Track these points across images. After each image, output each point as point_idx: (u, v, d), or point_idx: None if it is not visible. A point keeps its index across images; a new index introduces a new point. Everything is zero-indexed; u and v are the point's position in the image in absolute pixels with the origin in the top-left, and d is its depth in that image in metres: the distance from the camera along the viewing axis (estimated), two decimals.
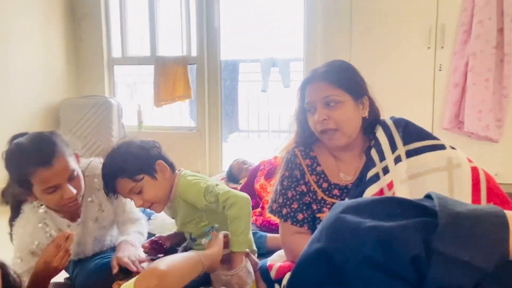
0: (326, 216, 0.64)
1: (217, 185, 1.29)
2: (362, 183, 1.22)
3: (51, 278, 1.24)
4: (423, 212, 0.58)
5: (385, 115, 1.31)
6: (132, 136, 1.47)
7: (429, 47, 2.73)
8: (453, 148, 1.20)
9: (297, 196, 1.26)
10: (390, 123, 1.26)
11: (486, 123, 2.59)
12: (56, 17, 3.35)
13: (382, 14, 2.79)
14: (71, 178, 1.26)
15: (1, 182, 2.36)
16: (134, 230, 1.46)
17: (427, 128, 2.73)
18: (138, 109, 3.55)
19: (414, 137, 1.22)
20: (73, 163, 1.27)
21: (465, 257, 0.52)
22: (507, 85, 2.57)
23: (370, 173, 1.21)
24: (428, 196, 0.62)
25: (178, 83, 3.36)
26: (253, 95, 4.87)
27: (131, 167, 1.24)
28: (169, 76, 3.37)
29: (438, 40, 2.71)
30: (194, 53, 3.41)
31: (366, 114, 1.24)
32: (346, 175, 1.26)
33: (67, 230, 1.28)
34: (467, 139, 2.71)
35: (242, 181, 2.57)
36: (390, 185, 1.18)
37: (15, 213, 1.35)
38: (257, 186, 2.37)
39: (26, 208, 1.34)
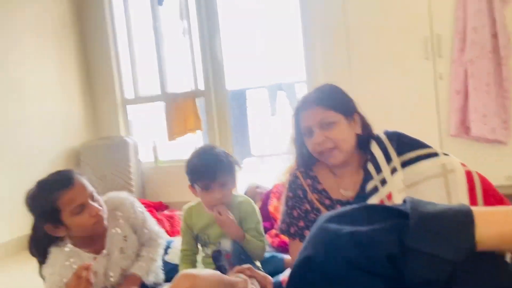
0: (312, 227, 0.71)
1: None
2: (362, 196, 1.28)
3: None
4: (397, 215, 0.64)
5: (391, 128, 1.38)
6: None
7: (427, 58, 2.79)
8: (446, 154, 1.26)
9: (303, 215, 1.33)
10: (383, 137, 1.32)
11: (492, 126, 2.61)
12: (71, 65, 3.56)
13: (377, 29, 2.85)
14: (93, 198, 1.40)
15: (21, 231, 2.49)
16: (146, 256, 1.55)
17: (435, 136, 2.80)
18: (153, 145, 3.69)
19: (407, 148, 1.28)
20: (89, 185, 1.43)
21: (435, 251, 0.58)
22: (508, 88, 2.60)
23: (369, 186, 1.27)
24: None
25: (188, 116, 3.49)
26: (262, 120, 4.97)
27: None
28: (180, 111, 3.51)
29: (435, 50, 2.77)
30: (201, 86, 3.55)
31: (359, 130, 1.32)
32: (346, 191, 1.32)
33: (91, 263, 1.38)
34: (476, 143, 2.72)
35: (257, 206, 2.64)
36: (389, 196, 1.23)
37: (43, 257, 1.46)
38: (271, 208, 2.43)
39: (53, 250, 1.44)
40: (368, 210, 0.69)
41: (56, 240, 1.45)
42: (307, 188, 1.34)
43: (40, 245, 1.45)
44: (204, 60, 3.48)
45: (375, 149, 1.30)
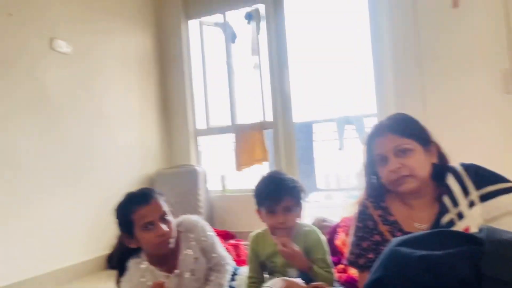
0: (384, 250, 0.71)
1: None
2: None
3: None
4: (472, 242, 0.62)
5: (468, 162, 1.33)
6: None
7: (508, 92, 2.64)
8: None
9: (373, 246, 1.30)
10: (460, 169, 1.27)
11: None
12: (150, 96, 3.83)
13: (452, 61, 2.77)
14: (164, 219, 1.51)
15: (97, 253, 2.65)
16: (215, 281, 1.59)
17: None
18: (221, 174, 3.81)
19: (486, 181, 1.22)
20: (165, 207, 1.54)
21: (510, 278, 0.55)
22: None
23: (445, 219, 1.22)
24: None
25: (256, 147, 3.58)
26: (329, 154, 4.94)
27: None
28: (248, 142, 3.61)
29: None
30: (269, 118, 3.65)
31: (435, 160, 1.29)
32: (420, 224, 1.28)
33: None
34: None
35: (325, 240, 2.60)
36: (466, 231, 1.17)
37: (121, 270, 1.57)
38: (338, 242, 2.38)
39: (131, 264, 1.54)
40: (442, 235, 0.67)
41: (133, 254, 1.55)
42: (377, 219, 1.31)
43: (120, 256, 1.57)
44: (273, 93, 3.59)
45: (452, 181, 1.25)
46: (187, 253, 1.59)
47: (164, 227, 1.49)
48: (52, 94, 2.85)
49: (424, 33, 2.85)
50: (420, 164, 1.24)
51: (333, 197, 5.25)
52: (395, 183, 1.26)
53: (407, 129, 1.28)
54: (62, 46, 2.92)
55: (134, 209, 1.49)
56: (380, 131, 1.31)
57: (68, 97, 2.98)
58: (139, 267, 1.54)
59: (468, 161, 1.32)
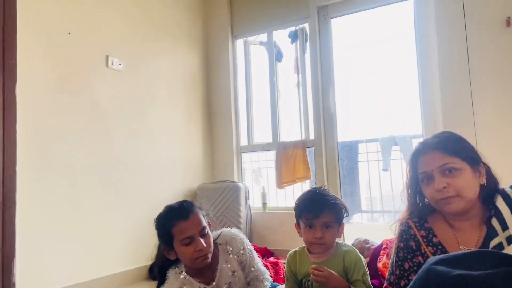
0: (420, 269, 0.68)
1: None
2: None
3: None
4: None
5: None
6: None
7: None
8: None
9: (415, 268, 1.24)
10: (510, 191, 1.21)
11: None
12: (196, 113, 3.94)
13: (504, 84, 2.65)
14: (203, 233, 1.52)
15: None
16: None
17: None
18: (262, 191, 3.82)
19: None
20: (204, 222, 1.55)
21: None
22: None
23: (493, 243, 1.15)
24: None
25: (298, 165, 3.57)
26: (374, 175, 4.81)
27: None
28: (290, 159, 3.61)
29: None
30: (312, 136, 3.63)
31: (484, 181, 1.23)
32: (466, 247, 1.22)
33: None
34: None
35: (365, 261, 2.52)
36: None
37: (162, 280, 1.60)
38: (380, 265, 2.30)
39: (171, 274, 1.58)
40: (481, 255, 0.64)
41: (174, 264, 1.59)
42: (420, 240, 1.26)
43: (160, 266, 1.60)
44: (316, 111, 3.58)
45: (501, 204, 1.18)
46: (225, 266, 1.59)
47: (203, 242, 1.51)
48: (104, 109, 3.01)
49: (474, 52, 2.75)
50: (467, 184, 1.19)
51: (377, 219, 5.09)
52: (440, 203, 1.21)
53: (454, 148, 1.24)
54: (115, 63, 3.09)
55: (174, 223, 1.51)
56: (426, 148, 1.27)
57: (118, 112, 3.12)
58: (178, 277, 1.56)
59: None
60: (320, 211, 1.48)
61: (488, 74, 2.71)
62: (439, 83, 2.91)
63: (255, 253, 1.72)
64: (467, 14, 2.78)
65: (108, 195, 2.97)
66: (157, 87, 3.52)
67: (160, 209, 1.67)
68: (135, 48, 3.32)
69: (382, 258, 2.37)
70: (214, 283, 1.56)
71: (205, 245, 1.51)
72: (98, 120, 2.95)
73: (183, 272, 1.57)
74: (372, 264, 2.40)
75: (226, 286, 1.58)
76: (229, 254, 1.62)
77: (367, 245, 2.78)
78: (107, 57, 3.04)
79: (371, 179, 5.01)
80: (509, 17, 2.65)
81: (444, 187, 1.19)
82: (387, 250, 2.36)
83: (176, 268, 1.59)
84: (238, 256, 1.64)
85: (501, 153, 2.59)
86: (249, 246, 1.70)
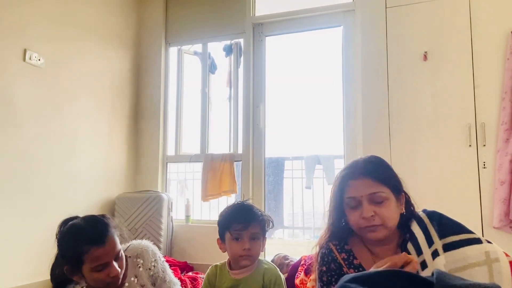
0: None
1: None
2: None
3: None
4: (422, 284, 0.61)
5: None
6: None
7: (470, 145, 2.75)
8: (489, 242, 1.20)
9: None
10: (423, 216, 1.28)
11: None
12: (121, 119, 3.76)
13: (420, 113, 2.88)
14: (117, 257, 1.39)
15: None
16: None
17: (477, 227, 2.66)
18: (186, 203, 3.73)
19: (449, 231, 1.22)
20: (119, 244, 1.41)
21: None
22: None
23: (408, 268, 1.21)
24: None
25: (224, 178, 3.55)
26: (297, 192, 4.94)
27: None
28: (216, 172, 3.58)
29: (479, 138, 2.73)
30: (240, 150, 3.64)
31: (403, 210, 1.28)
32: None
33: None
34: None
35: (283, 277, 2.55)
36: None
37: None
38: (297, 281, 2.34)
39: None
40: (393, 275, 0.66)
41: (72, 281, 1.45)
42: (342, 262, 1.28)
43: (58, 280, 1.45)
44: (246, 126, 3.60)
45: (416, 229, 1.24)
46: (133, 280, 1.50)
47: (116, 266, 1.38)
48: (17, 106, 2.75)
49: (394, 82, 2.97)
50: (391, 214, 1.22)
51: (297, 235, 5.22)
52: (364, 230, 1.23)
53: (384, 176, 1.26)
54: (34, 58, 2.85)
55: (86, 250, 1.32)
56: (356, 173, 1.27)
57: (34, 111, 2.88)
58: None
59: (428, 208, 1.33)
60: (249, 222, 1.47)
61: (405, 103, 2.92)
62: (361, 108, 3.08)
63: (166, 264, 1.65)
64: (389, 47, 3.00)
65: (16, 202, 2.70)
66: (81, 88, 3.31)
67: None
68: (58, 44, 3.09)
69: (300, 274, 2.41)
70: None
71: (119, 269, 1.38)
72: (9, 119, 2.68)
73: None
74: (290, 280, 2.43)
75: None
76: (139, 267, 1.52)
77: (287, 261, 2.82)
78: (24, 50, 2.79)
79: (295, 195, 5.15)
80: (426, 52, 2.90)
81: (372, 216, 1.20)
82: (305, 267, 2.41)
83: (77, 285, 1.45)
84: (149, 269, 1.54)
85: (414, 181, 2.79)
86: (161, 257, 1.62)
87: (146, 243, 1.61)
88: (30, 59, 2.82)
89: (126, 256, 1.49)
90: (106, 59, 3.60)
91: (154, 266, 1.57)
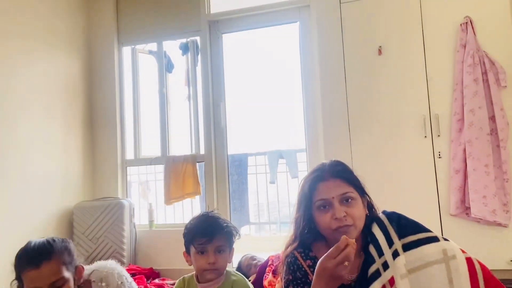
0: None
1: None
2: (364, 280, 1.23)
3: None
4: None
5: (391, 207, 1.35)
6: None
7: (425, 136, 2.83)
8: (446, 239, 1.23)
9: None
10: (383, 217, 1.30)
11: (492, 207, 2.58)
12: (75, 124, 3.60)
13: (377, 106, 2.93)
14: (56, 285, 1.34)
15: None
16: None
17: (435, 215, 2.75)
18: (149, 208, 3.63)
19: (408, 231, 1.24)
20: (65, 273, 1.37)
21: None
22: (507, 170, 2.61)
23: (371, 270, 1.22)
24: None
25: (187, 180, 3.48)
26: (262, 187, 4.95)
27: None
28: (179, 174, 3.51)
29: (433, 129, 2.82)
30: (202, 151, 3.58)
31: (366, 211, 1.30)
32: (349, 274, 1.27)
33: None
34: (476, 224, 2.68)
35: (252, 278, 2.54)
36: (392, 281, 1.18)
37: None
38: (265, 283, 2.34)
39: None
40: None
41: None
42: (307, 269, 1.28)
43: None
44: (207, 125, 3.55)
45: (377, 230, 1.26)
46: None
47: None
48: None
49: (350, 75, 3.01)
50: (360, 214, 1.24)
51: (264, 230, 5.24)
52: (335, 232, 1.23)
53: (351, 177, 1.29)
54: None
55: (23, 270, 1.34)
56: (326, 175, 1.28)
57: None
58: None
59: (389, 201, 1.35)
60: (213, 235, 1.43)
61: (363, 96, 2.97)
62: (320, 101, 3.10)
63: (134, 284, 1.61)
64: (345, 42, 3.03)
65: None
66: (30, 97, 3.13)
67: (29, 236, 1.45)
68: (2, 55, 2.91)
69: (268, 275, 2.41)
70: None
71: None
72: None
73: None
74: (258, 281, 2.43)
75: None
76: None
77: (254, 261, 2.81)
78: None
79: (259, 191, 5.16)
80: (380, 46, 2.95)
81: (344, 216, 1.21)
82: (273, 267, 2.41)
83: None
84: None
85: (373, 172, 2.84)
86: (128, 278, 1.57)
87: (111, 264, 1.57)
88: None
89: (90, 280, 1.46)
90: (54, 65, 3.42)
91: None
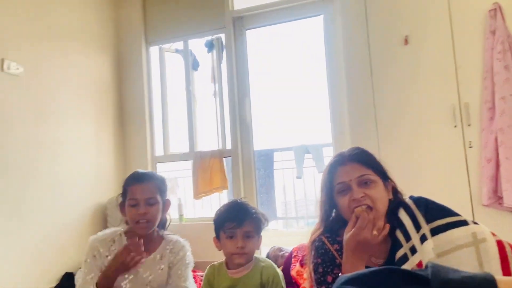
0: None
1: None
2: (391, 264, 1.23)
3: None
4: (417, 281, 0.62)
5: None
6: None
7: (455, 126, 2.77)
8: (475, 223, 1.22)
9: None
10: (410, 202, 1.30)
11: None
12: (107, 123, 3.72)
13: (404, 96, 2.88)
14: (150, 202, 1.63)
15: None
16: None
17: (467, 206, 2.69)
18: (178, 202, 3.72)
19: (436, 215, 1.24)
20: (158, 197, 1.66)
21: None
22: None
23: (398, 254, 1.22)
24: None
25: (215, 175, 3.54)
26: (289, 182, 4.96)
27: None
28: (206, 169, 3.57)
29: (463, 118, 2.76)
30: (228, 146, 3.63)
31: (391, 196, 1.30)
32: (376, 258, 1.28)
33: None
34: (510, 214, 2.61)
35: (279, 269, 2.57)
36: (420, 265, 1.18)
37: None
38: (293, 273, 2.36)
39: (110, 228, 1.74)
40: (388, 273, 0.67)
41: None
42: (335, 253, 1.29)
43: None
44: (233, 121, 3.59)
45: (404, 215, 1.26)
46: (157, 257, 1.66)
47: (145, 209, 1.59)
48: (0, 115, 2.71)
49: (376, 67, 2.97)
50: (381, 196, 1.25)
51: (291, 225, 5.25)
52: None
53: (370, 161, 1.30)
54: (12, 67, 2.80)
55: (130, 184, 1.65)
56: (344, 159, 1.31)
57: (16, 120, 2.83)
58: (115, 231, 1.68)
59: (419, 193, 1.35)
60: (242, 221, 1.48)
61: (389, 88, 2.93)
62: (346, 95, 3.08)
63: (189, 269, 1.72)
64: (370, 33, 3.00)
65: (1, 214, 2.66)
66: (63, 94, 3.26)
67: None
68: (37, 52, 3.04)
69: (295, 265, 2.43)
70: (139, 264, 1.61)
71: (145, 211, 1.59)
72: None
73: (122, 230, 1.69)
74: (285, 271, 2.45)
75: (146, 276, 1.63)
76: (168, 251, 1.68)
77: (281, 252, 2.84)
78: (2, 60, 2.74)
79: (286, 186, 5.17)
80: (407, 36, 2.91)
81: (362, 197, 1.23)
82: (298, 258, 2.43)
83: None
84: (172, 258, 1.68)
85: (402, 162, 2.81)
86: (188, 259, 1.72)
87: (186, 241, 1.77)
88: (8, 68, 2.77)
89: (163, 236, 1.72)
90: (86, 62, 3.55)
91: (177, 259, 1.69)
